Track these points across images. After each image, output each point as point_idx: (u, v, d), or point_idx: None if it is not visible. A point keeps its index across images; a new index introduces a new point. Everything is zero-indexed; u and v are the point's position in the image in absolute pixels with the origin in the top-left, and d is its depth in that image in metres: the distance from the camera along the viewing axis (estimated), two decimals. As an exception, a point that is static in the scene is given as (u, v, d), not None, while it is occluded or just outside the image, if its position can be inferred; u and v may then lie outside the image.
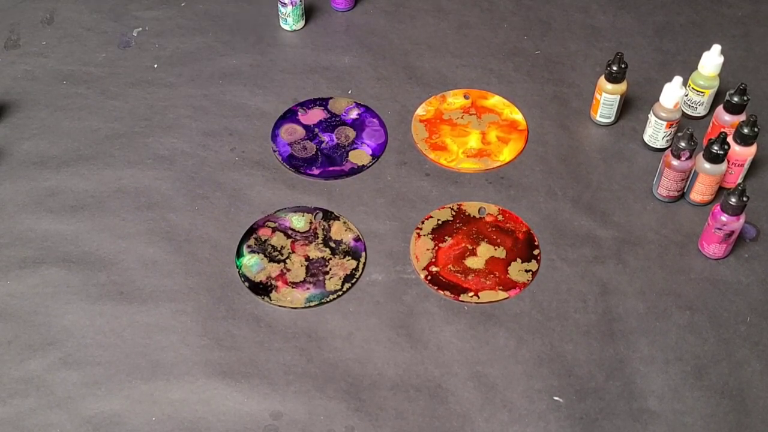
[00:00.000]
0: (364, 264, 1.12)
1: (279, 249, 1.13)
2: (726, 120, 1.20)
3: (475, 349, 1.04)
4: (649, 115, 1.23)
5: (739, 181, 1.19)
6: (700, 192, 1.17)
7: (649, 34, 1.43)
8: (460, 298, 1.08)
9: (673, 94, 1.18)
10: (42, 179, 1.20)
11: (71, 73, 1.35)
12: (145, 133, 1.27)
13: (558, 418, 0.98)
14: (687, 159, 1.14)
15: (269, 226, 1.15)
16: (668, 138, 1.23)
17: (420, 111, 1.30)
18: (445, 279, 1.10)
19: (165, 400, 0.99)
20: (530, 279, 1.10)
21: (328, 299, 1.08)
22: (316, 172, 1.22)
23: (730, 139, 1.16)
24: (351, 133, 1.27)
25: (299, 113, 1.29)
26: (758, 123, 1.16)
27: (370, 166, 1.23)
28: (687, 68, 1.36)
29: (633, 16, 1.46)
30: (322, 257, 1.12)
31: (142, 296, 1.08)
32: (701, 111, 1.29)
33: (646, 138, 1.25)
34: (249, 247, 1.13)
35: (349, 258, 1.12)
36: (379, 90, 1.34)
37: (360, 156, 1.24)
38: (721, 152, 1.12)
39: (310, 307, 1.07)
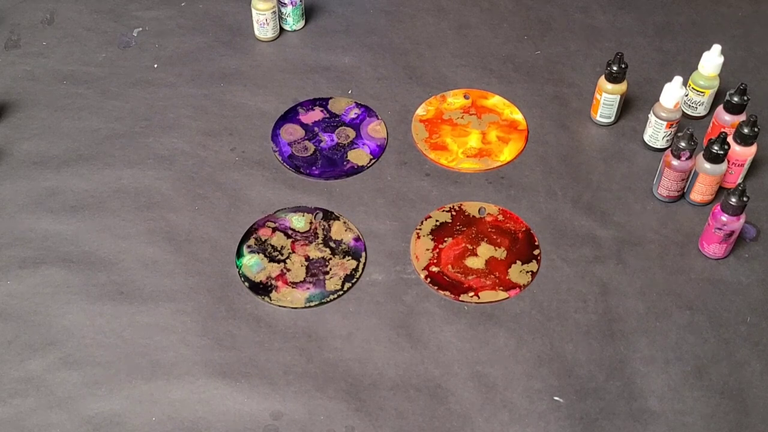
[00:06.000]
0: (364, 264, 1.12)
1: (279, 249, 1.13)
2: (726, 120, 1.20)
3: (475, 349, 1.04)
4: (649, 115, 1.23)
5: (739, 181, 1.19)
6: (700, 192, 1.17)
7: (649, 34, 1.43)
8: (460, 298, 1.08)
9: (673, 94, 1.18)
10: (42, 179, 1.20)
11: (71, 73, 1.35)
12: (145, 133, 1.27)
13: (558, 418, 0.98)
14: (687, 159, 1.14)
15: (269, 226, 1.15)
16: (668, 138, 1.23)
17: (420, 111, 1.30)
18: (445, 279, 1.10)
19: (165, 400, 0.99)
20: (530, 280, 1.10)
21: (328, 299, 1.08)
22: (316, 172, 1.22)
23: (730, 139, 1.16)
24: (351, 133, 1.27)
25: (299, 113, 1.29)
26: (758, 123, 1.16)
27: (370, 166, 1.23)
28: (687, 68, 1.36)
29: (633, 16, 1.46)
30: (322, 257, 1.12)
31: (142, 296, 1.08)
32: (701, 111, 1.29)
33: (646, 138, 1.25)
34: (249, 247, 1.13)
35: (349, 258, 1.12)
36: (379, 90, 1.34)
37: (360, 156, 1.24)
38: (721, 152, 1.12)
39: (310, 307, 1.07)
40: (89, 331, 1.05)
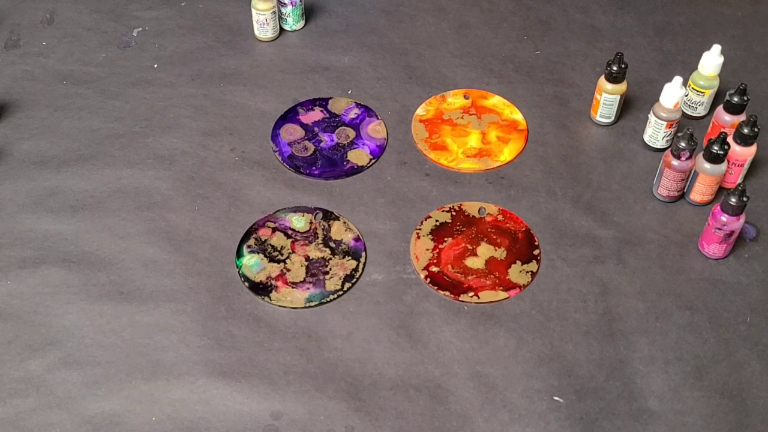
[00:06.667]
0: (364, 264, 1.12)
1: (279, 249, 1.13)
2: (726, 120, 1.20)
3: (475, 349, 1.04)
4: (649, 115, 1.23)
5: (739, 181, 1.19)
6: (700, 192, 1.17)
7: (649, 34, 1.43)
8: (460, 298, 1.08)
9: (673, 94, 1.18)
10: (42, 179, 1.20)
11: (71, 73, 1.35)
12: (145, 133, 1.27)
13: (558, 418, 0.98)
14: (687, 159, 1.14)
15: (269, 226, 1.15)
16: (668, 138, 1.23)
17: (420, 111, 1.30)
18: (445, 279, 1.10)
19: (165, 400, 0.99)
20: (530, 280, 1.10)
21: (328, 299, 1.08)
22: (316, 172, 1.22)
23: (730, 139, 1.16)
24: (351, 133, 1.27)
25: (299, 113, 1.29)
26: (758, 123, 1.16)
27: (370, 166, 1.23)
28: (687, 68, 1.36)
29: (633, 16, 1.46)
30: (322, 257, 1.12)
31: (142, 296, 1.08)
32: (701, 111, 1.29)
33: (646, 138, 1.25)
34: (249, 247, 1.13)
35: (349, 258, 1.12)
36: (379, 90, 1.34)
37: (360, 156, 1.24)
38: (721, 152, 1.12)
39: (310, 307, 1.08)
40: (89, 331, 1.05)
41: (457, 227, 1.16)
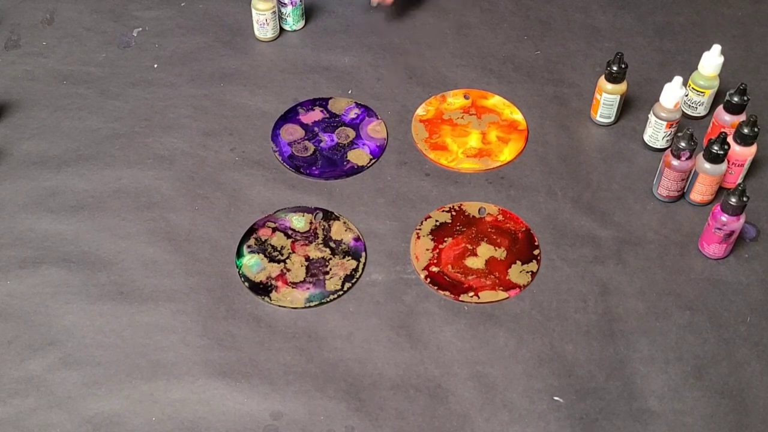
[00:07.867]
0: (364, 264, 1.12)
1: (279, 249, 1.13)
2: (726, 120, 1.20)
3: (475, 349, 1.04)
4: (649, 115, 1.23)
5: (739, 181, 1.19)
6: (700, 192, 1.17)
7: (649, 34, 1.43)
8: (460, 298, 1.08)
9: (673, 94, 1.18)
10: (42, 179, 1.20)
11: (71, 73, 1.35)
12: (145, 133, 1.27)
13: (558, 418, 0.98)
14: (687, 159, 1.14)
15: (269, 226, 1.15)
16: (668, 138, 1.23)
17: (420, 111, 1.30)
18: (445, 279, 1.10)
19: (165, 400, 0.99)
20: (530, 280, 1.10)
21: (328, 299, 1.08)
22: (316, 172, 1.22)
23: (730, 139, 1.16)
24: (351, 133, 1.27)
25: (299, 113, 1.29)
26: (758, 123, 1.16)
27: (370, 166, 1.23)
28: (687, 68, 1.36)
29: (633, 16, 1.46)
30: (322, 257, 1.12)
31: (142, 296, 1.08)
32: (701, 111, 1.29)
33: (646, 138, 1.25)
34: (249, 247, 1.13)
35: (349, 258, 1.12)
36: (379, 90, 1.34)
37: (360, 156, 1.24)
38: (721, 152, 1.12)
39: (310, 307, 1.07)
40: (89, 331, 1.05)
41: (457, 227, 1.16)
